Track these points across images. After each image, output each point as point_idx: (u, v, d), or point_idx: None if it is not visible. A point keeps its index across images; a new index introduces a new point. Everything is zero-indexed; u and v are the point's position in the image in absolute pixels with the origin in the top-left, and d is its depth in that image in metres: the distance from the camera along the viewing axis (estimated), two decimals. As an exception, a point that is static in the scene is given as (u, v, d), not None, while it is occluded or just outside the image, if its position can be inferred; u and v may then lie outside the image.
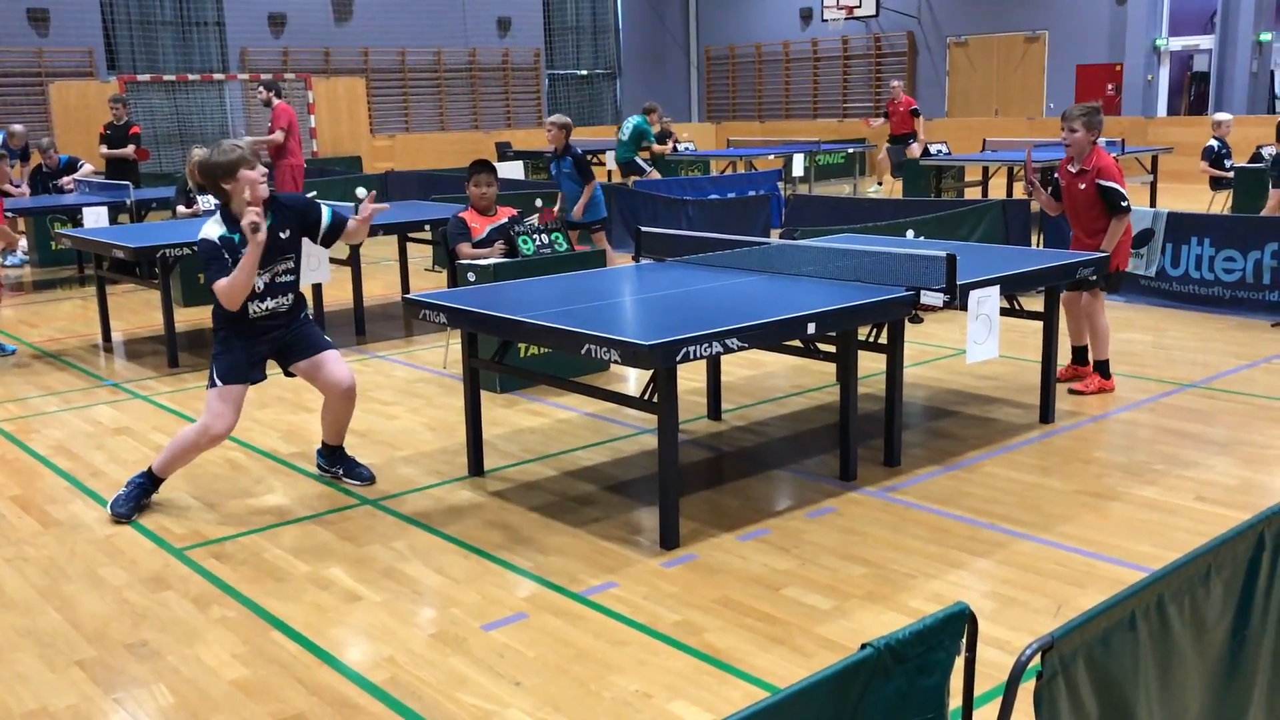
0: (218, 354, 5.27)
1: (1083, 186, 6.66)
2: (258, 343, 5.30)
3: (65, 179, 13.21)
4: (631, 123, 16.42)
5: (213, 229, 5.18)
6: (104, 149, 14.40)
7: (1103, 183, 6.56)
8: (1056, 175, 6.94)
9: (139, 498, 5.30)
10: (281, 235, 5.25)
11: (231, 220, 5.13)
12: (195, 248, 5.33)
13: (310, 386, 5.58)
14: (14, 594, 4.45)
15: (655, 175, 16.16)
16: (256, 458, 6.08)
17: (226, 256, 5.09)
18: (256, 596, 4.36)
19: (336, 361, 5.45)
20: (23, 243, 13.65)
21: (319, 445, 5.85)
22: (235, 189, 5.13)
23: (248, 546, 4.87)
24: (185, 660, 3.87)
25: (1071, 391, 6.78)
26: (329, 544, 4.88)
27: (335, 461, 5.74)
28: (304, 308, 5.53)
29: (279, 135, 13.04)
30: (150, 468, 5.36)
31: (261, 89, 13.44)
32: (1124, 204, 6.55)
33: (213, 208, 10.07)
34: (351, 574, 4.55)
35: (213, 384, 5.21)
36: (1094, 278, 6.41)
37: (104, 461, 6.07)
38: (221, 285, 5.07)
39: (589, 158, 10.25)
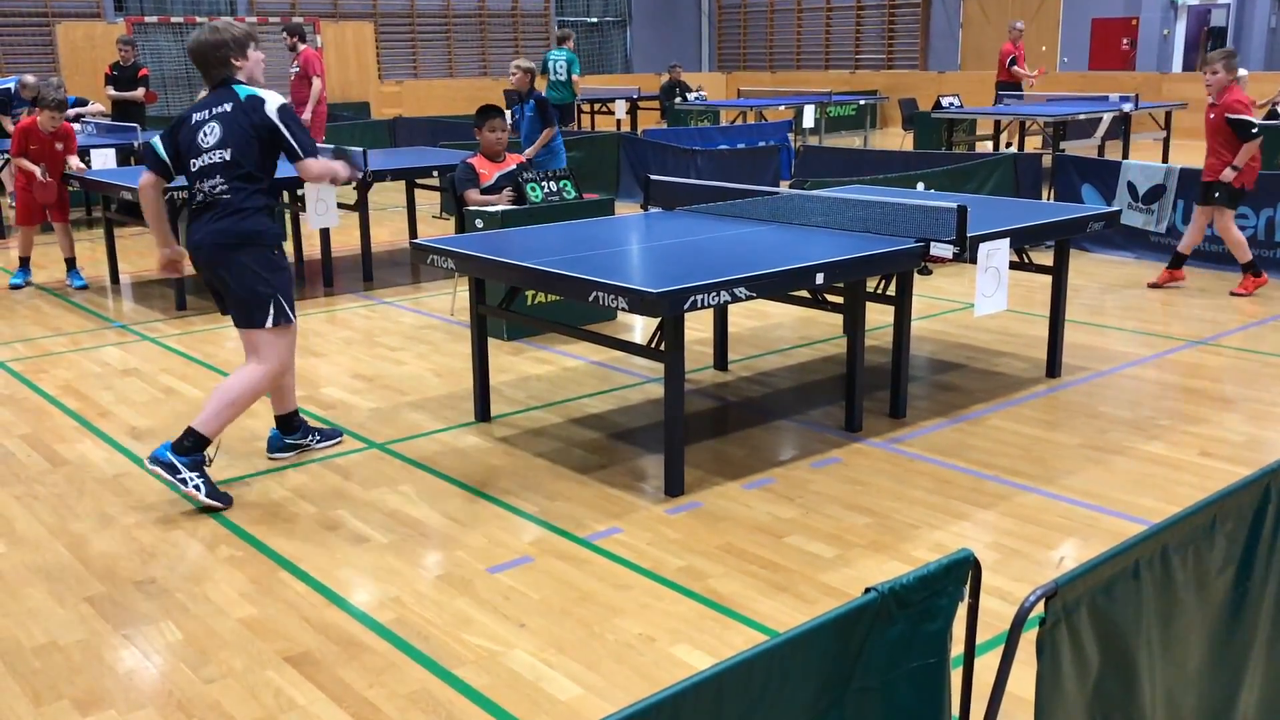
0: (284, 280, 4.81)
1: (1212, 117, 8.10)
2: None
3: (70, 111, 13.08)
4: (562, 56, 15.62)
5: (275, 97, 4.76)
6: (110, 90, 14.29)
7: (1231, 116, 7.96)
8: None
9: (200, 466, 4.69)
10: None
11: None
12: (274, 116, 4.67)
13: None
14: (24, 531, 4.49)
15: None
16: (264, 401, 6.08)
17: None
18: (264, 537, 4.39)
19: None
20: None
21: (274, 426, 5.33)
22: (247, 69, 4.81)
23: (256, 487, 4.90)
24: (193, 598, 3.91)
25: (1234, 294, 8.19)
26: (336, 486, 4.90)
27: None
28: None
29: (318, 84, 12.81)
30: (192, 427, 4.68)
31: (286, 34, 13.24)
32: (1254, 130, 7.91)
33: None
34: (358, 516, 4.58)
35: (286, 319, 4.79)
36: (1216, 195, 8.09)
37: (112, 402, 6.09)
38: (317, 169, 4.81)
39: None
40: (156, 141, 4.83)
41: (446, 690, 3.33)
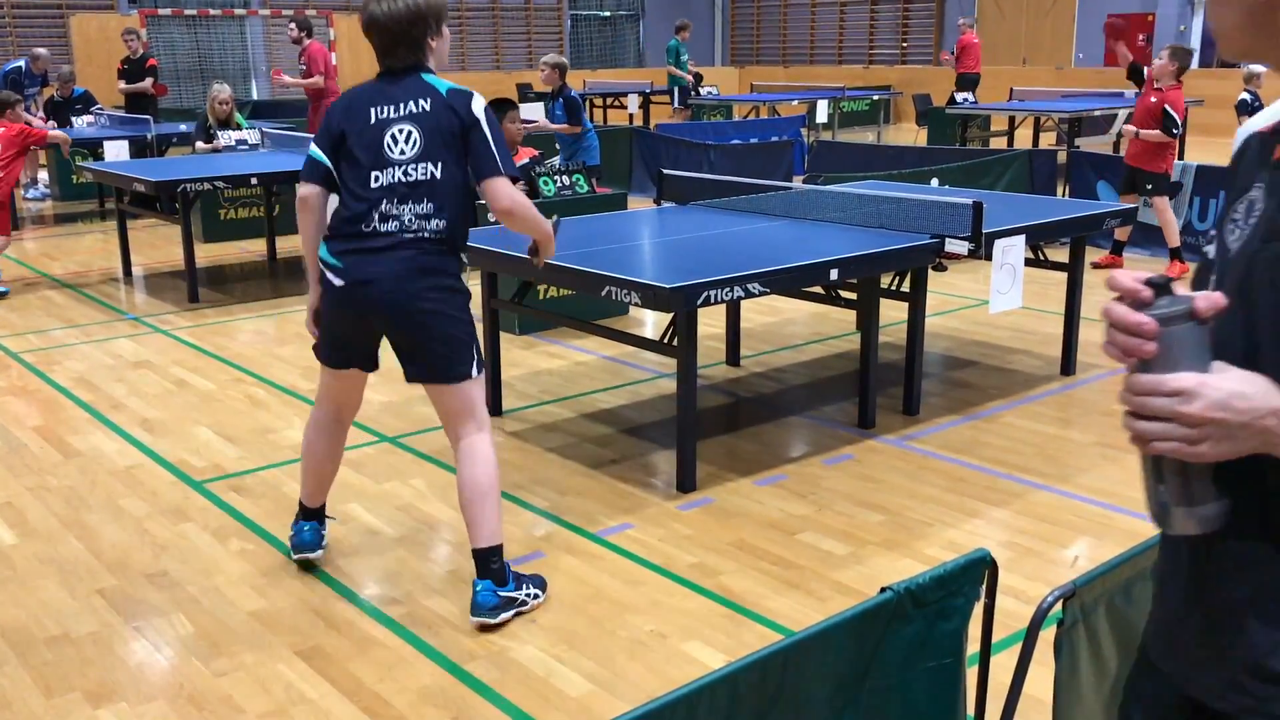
0: (472, 330, 3.68)
1: (1153, 100, 8.49)
2: None
3: (79, 119, 13.07)
4: (672, 45, 17.50)
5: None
6: (123, 84, 14.30)
7: (1169, 109, 8.38)
8: (1145, 69, 9.00)
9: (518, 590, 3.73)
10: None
11: None
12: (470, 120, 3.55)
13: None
14: (36, 523, 4.49)
15: (686, 110, 16.85)
16: (276, 394, 6.10)
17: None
18: (275, 530, 4.39)
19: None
20: (44, 175, 13.63)
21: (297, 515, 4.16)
22: (440, 48, 3.69)
23: (267, 480, 4.90)
24: (205, 591, 3.91)
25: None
26: (347, 479, 4.89)
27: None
28: None
29: (319, 79, 12.78)
30: (482, 549, 3.66)
31: (293, 26, 13.16)
32: (1174, 131, 8.45)
33: (234, 143, 10.08)
34: (369, 510, 4.58)
35: (480, 370, 3.71)
36: (1150, 187, 8.59)
37: (125, 394, 6.10)
38: (521, 200, 3.62)
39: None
40: (316, 150, 3.70)
41: (457, 685, 3.33)
